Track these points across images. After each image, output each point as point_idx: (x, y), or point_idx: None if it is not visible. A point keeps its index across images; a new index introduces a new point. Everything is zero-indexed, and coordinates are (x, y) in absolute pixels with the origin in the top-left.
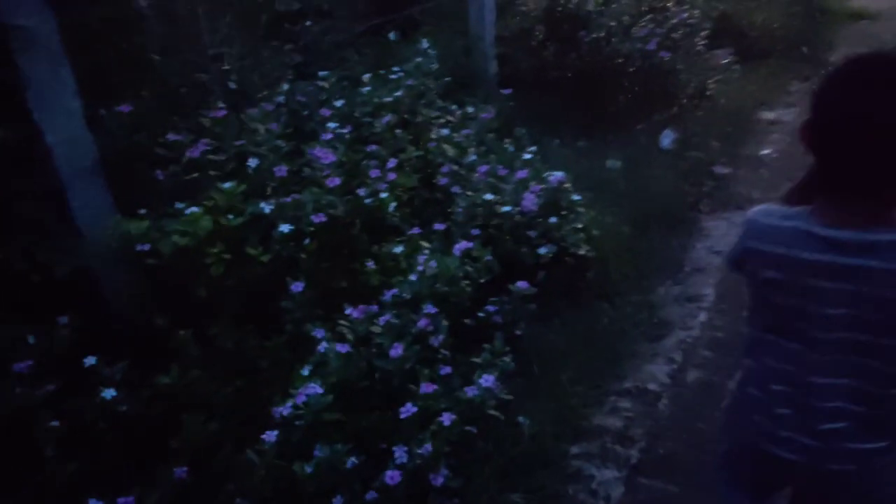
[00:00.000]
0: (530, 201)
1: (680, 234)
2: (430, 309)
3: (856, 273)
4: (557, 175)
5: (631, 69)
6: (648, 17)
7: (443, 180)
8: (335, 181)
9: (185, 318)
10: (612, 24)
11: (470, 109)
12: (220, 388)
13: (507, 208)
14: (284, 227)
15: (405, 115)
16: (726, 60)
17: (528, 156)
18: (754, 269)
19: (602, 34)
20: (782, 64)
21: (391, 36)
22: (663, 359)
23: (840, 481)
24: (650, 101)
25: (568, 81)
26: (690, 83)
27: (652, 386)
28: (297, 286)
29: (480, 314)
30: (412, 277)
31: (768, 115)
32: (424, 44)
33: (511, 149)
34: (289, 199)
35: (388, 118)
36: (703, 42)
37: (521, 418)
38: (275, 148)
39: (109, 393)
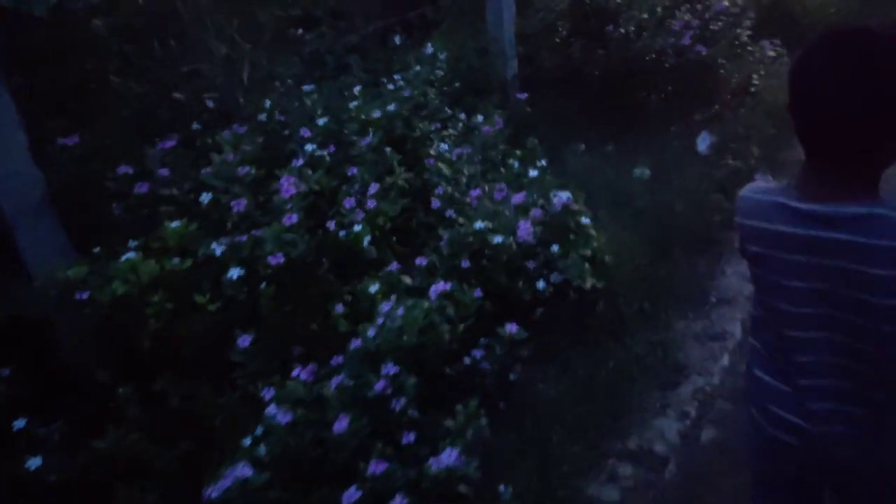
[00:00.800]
0: (525, 231)
1: (709, 256)
2: (389, 369)
3: (824, 246)
4: (563, 197)
5: (665, 66)
6: (684, 7)
7: (435, 203)
8: (292, 218)
9: (130, 372)
10: (644, 16)
11: (479, 119)
12: (162, 453)
13: (498, 238)
14: (234, 272)
15: (402, 131)
16: (772, 53)
17: (534, 172)
18: (745, 246)
19: (632, 28)
20: None
21: (396, 40)
22: (675, 412)
23: (841, 466)
24: (687, 100)
25: (596, 80)
26: (732, 79)
27: (659, 447)
28: (245, 340)
29: (466, 359)
30: (370, 333)
31: None
32: (429, 48)
33: (516, 165)
34: (244, 238)
35: (369, 139)
36: (747, 33)
37: (502, 487)
38: (237, 177)
39: (35, 462)
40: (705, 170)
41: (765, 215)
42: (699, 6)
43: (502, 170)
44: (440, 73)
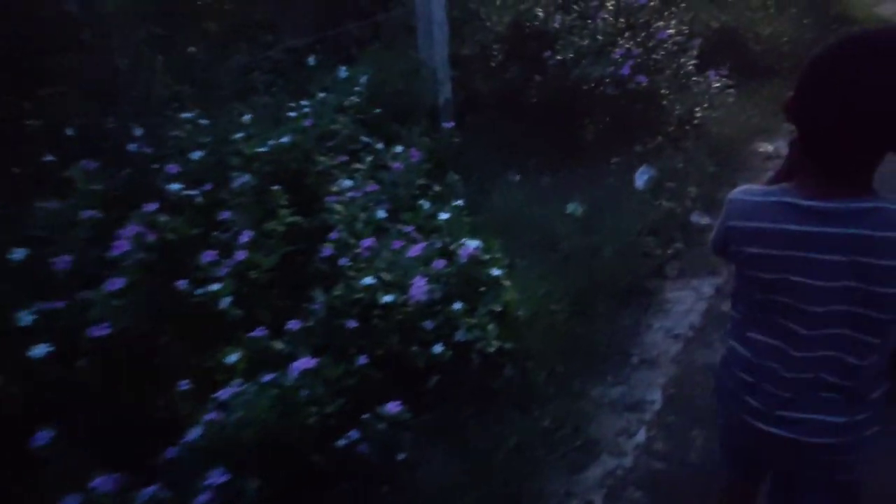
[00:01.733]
0: (420, 289)
1: (635, 308)
2: (216, 478)
3: (844, 242)
4: (470, 246)
5: (604, 95)
6: (628, 34)
7: (327, 251)
8: (115, 283)
9: None
10: (584, 43)
11: (399, 149)
12: None
13: (388, 298)
14: (40, 349)
15: (300, 165)
16: (717, 84)
17: (446, 215)
18: (738, 249)
19: (570, 55)
20: (789, 84)
21: (311, 60)
22: (579, 502)
23: (820, 455)
24: (629, 132)
25: (534, 108)
26: (675, 111)
27: None
28: (43, 436)
29: (342, 441)
30: (195, 433)
31: (766, 147)
32: (342, 72)
33: (427, 206)
34: (61, 305)
35: (245, 177)
36: (693, 62)
37: None
38: (77, 222)
39: None
40: (641, 207)
41: (768, 215)
42: (643, 34)
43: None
44: (355, 98)
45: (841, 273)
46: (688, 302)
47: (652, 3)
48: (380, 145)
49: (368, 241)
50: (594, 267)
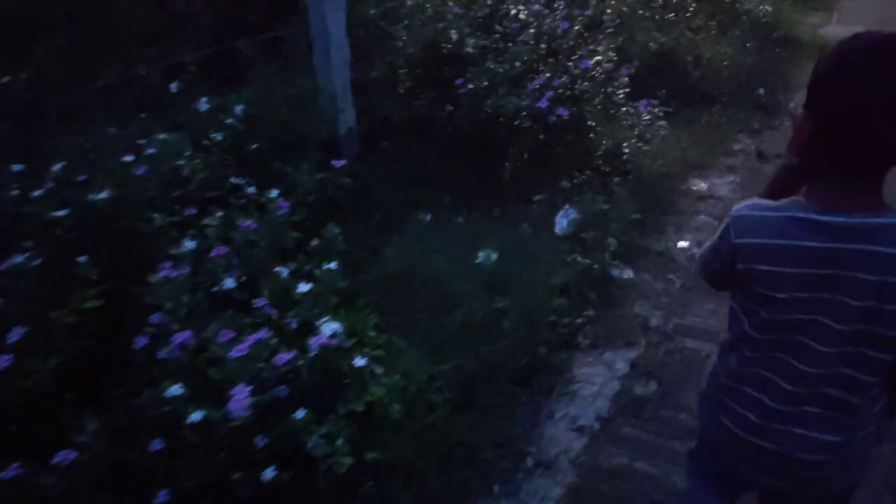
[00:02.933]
0: (240, 402)
1: (536, 391)
2: None
3: (848, 257)
4: (325, 333)
5: (522, 129)
6: (552, 61)
7: (141, 341)
8: None
9: None
10: (500, 70)
11: (274, 193)
12: None
13: (197, 416)
14: None
15: (129, 223)
16: (647, 117)
17: (305, 287)
18: (748, 267)
19: (484, 83)
20: (729, 112)
21: (172, 87)
22: None
23: (810, 472)
24: (553, 166)
25: (450, 139)
26: (602, 145)
27: None
28: None
29: None
30: None
31: (700, 185)
32: (203, 104)
33: (285, 273)
34: None
35: (22, 258)
36: (623, 91)
37: None
38: None
39: None
40: (556, 257)
41: (777, 231)
42: (567, 61)
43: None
44: (219, 136)
45: (866, 292)
46: (598, 381)
47: (576, 28)
48: (251, 189)
49: (183, 335)
50: (494, 339)
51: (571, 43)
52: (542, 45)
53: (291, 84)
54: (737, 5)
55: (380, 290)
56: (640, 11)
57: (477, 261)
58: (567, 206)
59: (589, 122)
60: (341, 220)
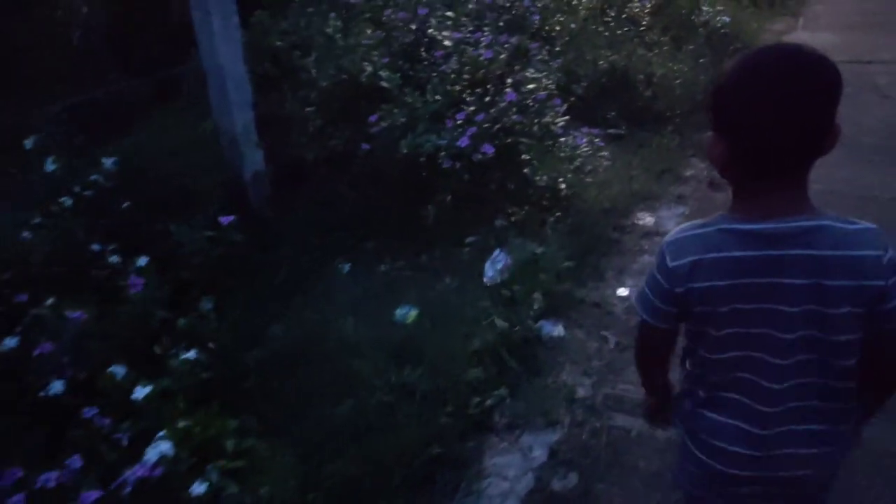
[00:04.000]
0: None
1: (439, 490)
2: None
3: (788, 264)
4: (150, 459)
5: (444, 168)
6: (479, 90)
7: None
8: None
9: None
10: (418, 105)
11: (143, 261)
12: None
13: None
14: None
15: None
16: (586, 148)
17: (144, 390)
18: (686, 287)
19: (401, 120)
20: (682, 135)
21: (27, 144)
22: None
23: (803, 487)
24: (487, 204)
25: (372, 180)
26: (537, 181)
27: None
28: None
29: None
30: None
31: (646, 219)
32: (49, 164)
33: (121, 372)
34: None
35: None
36: (562, 120)
37: None
38: None
39: None
40: (480, 313)
41: (708, 246)
42: (495, 92)
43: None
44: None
45: (803, 297)
46: (511, 474)
47: (502, 57)
48: (115, 258)
49: None
50: (392, 428)
51: (500, 71)
52: (465, 76)
53: (188, 127)
54: (693, 18)
55: (260, 376)
56: (593, 27)
57: (394, 319)
58: (497, 251)
59: (523, 156)
60: (232, 286)
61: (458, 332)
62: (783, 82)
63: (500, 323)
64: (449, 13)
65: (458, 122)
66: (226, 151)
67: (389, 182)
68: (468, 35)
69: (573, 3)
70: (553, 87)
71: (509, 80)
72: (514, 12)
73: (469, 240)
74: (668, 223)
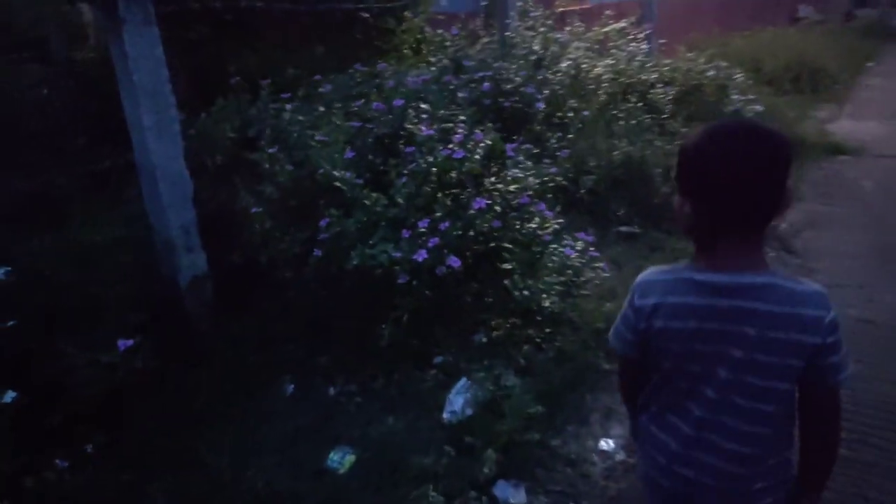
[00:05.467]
0: None
1: None
2: None
3: (728, 313)
4: None
5: (400, 284)
6: (455, 192)
7: None
8: None
9: None
10: (378, 209)
11: (9, 397)
12: None
13: None
14: None
15: None
16: (578, 256)
17: None
18: (647, 325)
19: (356, 227)
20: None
21: None
22: None
23: None
24: (464, 318)
25: (325, 288)
26: (517, 296)
27: None
28: None
29: None
30: None
31: None
32: None
33: None
34: None
35: None
36: (553, 223)
37: None
38: None
39: None
40: (425, 469)
41: (672, 290)
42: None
43: None
44: None
45: (745, 343)
46: None
47: (477, 157)
48: None
49: None
50: None
51: (476, 172)
52: (432, 179)
53: (123, 224)
54: (721, 106)
55: None
56: (611, 112)
57: (327, 464)
58: (463, 380)
59: (505, 265)
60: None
61: (396, 492)
62: (738, 151)
63: (436, 496)
64: (424, 105)
65: (422, 230)
66: (160, 254)
67: (343, 294)
68: (447, 127)
69: (591, 87)
70: (538, 186)
71: (489, 181)
72: (514, 99)
73: (437, 360)
74: None
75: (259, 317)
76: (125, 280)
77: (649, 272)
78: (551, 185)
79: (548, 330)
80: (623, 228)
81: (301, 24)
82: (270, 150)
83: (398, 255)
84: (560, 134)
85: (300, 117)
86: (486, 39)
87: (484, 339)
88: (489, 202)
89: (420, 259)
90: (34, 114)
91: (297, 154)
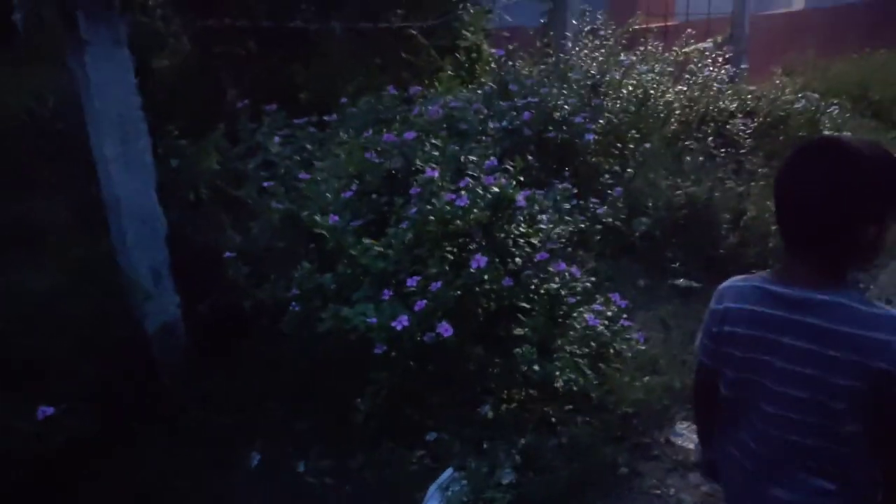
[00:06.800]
0: None
1: None
2: None
3: (793, 326)
4: None
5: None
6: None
7: None
8: None
9: None
10: (364, 262)
11: None
12: None
13: None
14: None
15: None
16: (611, 324)
17: None
18: (719, 329)
19: (332, 286)
20: None
21: None
22: None
23: None
24: (464, 388)
25: (304, 346)
26: (525, 370)
27: None
28: None
29: None
30: None
31: (685, 437)
32: None
33: None
34: None
35: None
36: (583, 283)
37: None
38: None
39: None
40: None
41: (746, 297)
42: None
43: None
44: None
45: (803, 359)
46: None
47: (482, 204)
48: None
49: None
50: None
51: (485, 221)
52: (430, 229)
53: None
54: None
55: None
56: (686, 143)
57: None
58: (450, 471)
59: (516, 331)
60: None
61: None
62: (813, 169)
63: None
64: (435, 141)
65: (411, 288)
66: (128, 297)
67: (321, 355)
68: (464, 165)
69: (660, 115)
70: (564, 238)
71: (501, 235)
72: (564, 129)
73: (430, 436)
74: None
75: (237, 370)
76: (84, 327)
77: (731, 279)
78: (598, 227)
79: (568, 407)
80: (679, 281)
81: (352, 45)
82: (267, 185)
83: (373, 321)
84: (618, 168)
85: (310, 145)
86: (551, 60)
87: (490, 414)
88: (497, 258)
89: (399, 327)
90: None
91: (289, 191)
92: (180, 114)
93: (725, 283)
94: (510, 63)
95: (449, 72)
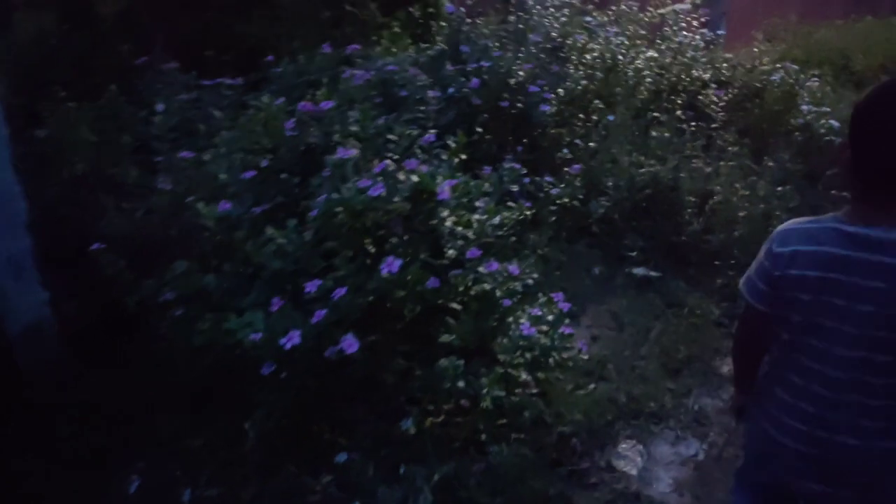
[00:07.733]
0: None
1: None
2: None
3: (869, 267)
4: None
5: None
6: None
7: None
8: None
9: None
10: (260, 259)
11: None
12: None
13: None
14: None
15: None
16: (552, 330)
17: None
18: (782, 273)
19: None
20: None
21: None
22: None
23: (854, 477)
24: (384, 401)
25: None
26: (447, 386)
27: None
28: None
29: None
30: None
31: (629, 460)
32: None
33: None
34: None
35: None
36: (529, 277)
37: None
38: None
39: None
40: None
41: (815, 239)
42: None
43: None
44: None
45: (879, 300)
46: None
47: (397, 197)
48: None
49: None
50: None
51: (405, 213)
52: (336, 222)
53: None
54: (789, 117)
55: None
56: (654, 115)
57: None
58: None
59: (444, 337)
60: None
61: None
62: None
63: None
64: (353, 113)
65: (312, 294)
66: None
67: (209, 365)
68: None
69: (628, 83)
70: (507, 227)
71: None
72: (520, 98)
73: (341, 458)
74: (660, 474)
75: (121, 378)
76: None
77: (792, 222)
78: (553, 208)
79: (502, 422)
80: (637, 270)
81: None
82: (159, 159)
83: (257, 336)
84: (579, 142)
85: (218, 112)
86: (512, 19)
87: (412, 430)
88: (421, 255)
89: (289, 346)
90: None
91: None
92: (72, 72)
93: (786, 225)
94: (468, 21)
95: (395, 29)
